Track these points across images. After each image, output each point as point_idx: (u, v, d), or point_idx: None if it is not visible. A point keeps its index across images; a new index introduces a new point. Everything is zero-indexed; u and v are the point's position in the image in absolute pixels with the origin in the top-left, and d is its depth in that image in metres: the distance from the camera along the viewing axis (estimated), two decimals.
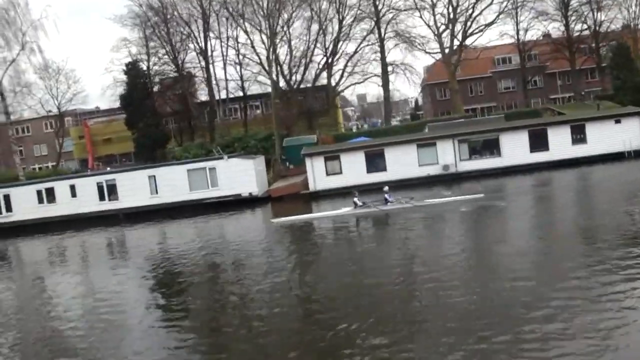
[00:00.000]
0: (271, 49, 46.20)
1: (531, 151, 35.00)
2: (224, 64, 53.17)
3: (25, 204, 37.93)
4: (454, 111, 56.01)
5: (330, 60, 55.07)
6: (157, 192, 36.69)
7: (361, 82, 57.94)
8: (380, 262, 17.16)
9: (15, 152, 46.93)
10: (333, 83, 56.63)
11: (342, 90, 58.66)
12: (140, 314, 14.75)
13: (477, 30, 52.52)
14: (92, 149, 62.81)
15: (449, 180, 34.46)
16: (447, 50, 53.38)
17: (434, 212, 24.43)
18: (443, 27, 52.82)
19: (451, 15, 51.87)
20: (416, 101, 79.43)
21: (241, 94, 57.82)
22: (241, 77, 55.88)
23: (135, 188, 36.61)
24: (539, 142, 35.00)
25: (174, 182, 36.32)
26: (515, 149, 34.98)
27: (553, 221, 21.41)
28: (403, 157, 34.84)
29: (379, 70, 54.00)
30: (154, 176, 36.72)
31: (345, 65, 56.02)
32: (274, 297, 14.61)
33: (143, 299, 16.50)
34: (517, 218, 22.56)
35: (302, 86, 55.76)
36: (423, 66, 63.89)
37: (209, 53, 51.15)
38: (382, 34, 50.41)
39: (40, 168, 63.55)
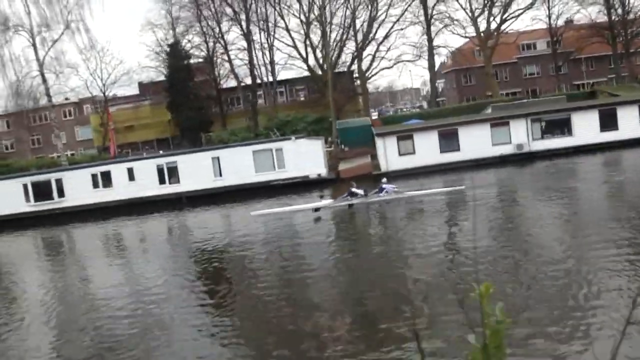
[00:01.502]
0: (320, 33, 45.24)
1: (601, 130, 34.85)
2: (270, 48, 51.63)
3: (79, 188, 36.37)
4: (479, 97, 56.19)
5: (362, 45, 54.31)
6: (220, 175, 35.55)
7: (390, 67, 57.54)
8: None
9: (57, 136, 44.98)
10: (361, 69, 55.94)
11: (373, 75, 57.96)
12: (185, 304, 14.64)
13: (514, 15, 52.36)
14: (114, 137, 60.80)
15: (522, 159, 34.19)
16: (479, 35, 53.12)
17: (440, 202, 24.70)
18: (478, 10, 52.54)
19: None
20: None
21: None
22: (272, 61, 54.75)
23: (197, 170, 35.38)
24: (608, 121, 34.89)
25: (238, 164, 35.21)
26: (586, 128, 34.78)
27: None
28: (476, 137, 34.35)
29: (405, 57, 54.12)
30: (218, 158, 35.55)
31: (377, 50, 55.52)
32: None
33: (192, 289, 16.09)
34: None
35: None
36: (445, 52, 63.31)
37: (252, 36, 49.75)
38: (429, 15, 49.78)
39: (59, 156, 61.29)
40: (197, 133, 46.08)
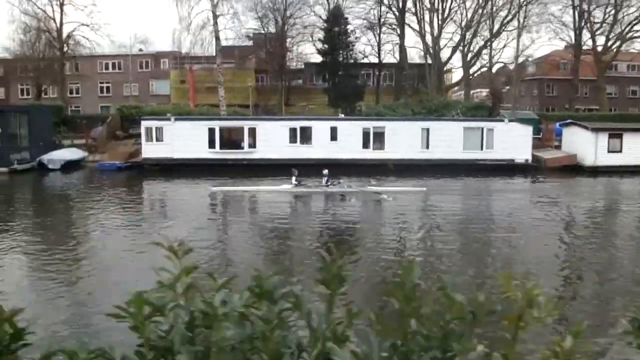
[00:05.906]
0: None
1: None
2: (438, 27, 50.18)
3: (274, 141, 34.87)
4: (559, 109, 58.42)
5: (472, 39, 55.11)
6: (427, 147, 35.05)
7: (489, 67, 58.73)
8: None
9: (220, 83, 42.56)
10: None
11: (475, 73, 58.91)
12: None
13: (632, 37, 54.57)
14: (194, 96, 58.07)
15: None
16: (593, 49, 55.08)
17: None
18: (597, 25, 54.36)
19: (610, 16, 53.47)
20: None
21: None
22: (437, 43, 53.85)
23: (405, 139, 34.71)
24: None
25: (448, 139, 34.85)
26: None
27: None
28: None
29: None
30: (428, 129, 35.03)
31: (484, 47, 56.49)
32: None
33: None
34: None
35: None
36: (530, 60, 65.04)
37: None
38: (583, 24, 51.20)
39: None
40: (352, 102, 44.80)
